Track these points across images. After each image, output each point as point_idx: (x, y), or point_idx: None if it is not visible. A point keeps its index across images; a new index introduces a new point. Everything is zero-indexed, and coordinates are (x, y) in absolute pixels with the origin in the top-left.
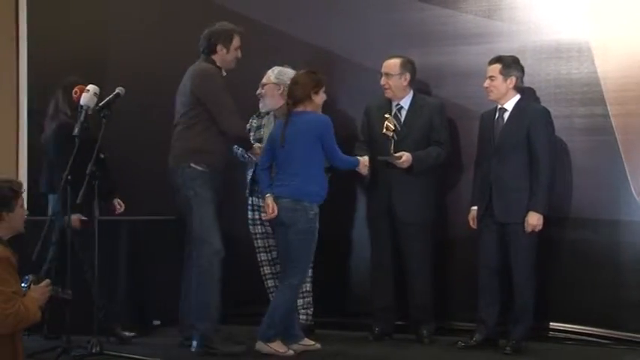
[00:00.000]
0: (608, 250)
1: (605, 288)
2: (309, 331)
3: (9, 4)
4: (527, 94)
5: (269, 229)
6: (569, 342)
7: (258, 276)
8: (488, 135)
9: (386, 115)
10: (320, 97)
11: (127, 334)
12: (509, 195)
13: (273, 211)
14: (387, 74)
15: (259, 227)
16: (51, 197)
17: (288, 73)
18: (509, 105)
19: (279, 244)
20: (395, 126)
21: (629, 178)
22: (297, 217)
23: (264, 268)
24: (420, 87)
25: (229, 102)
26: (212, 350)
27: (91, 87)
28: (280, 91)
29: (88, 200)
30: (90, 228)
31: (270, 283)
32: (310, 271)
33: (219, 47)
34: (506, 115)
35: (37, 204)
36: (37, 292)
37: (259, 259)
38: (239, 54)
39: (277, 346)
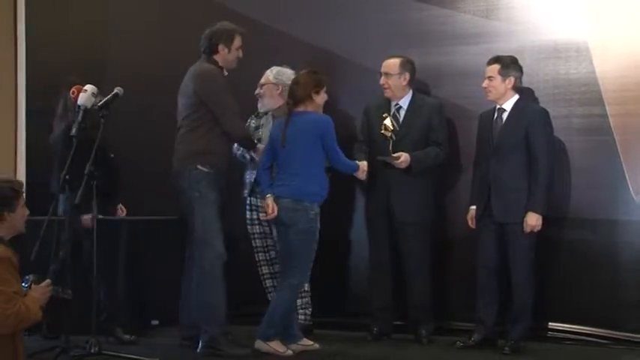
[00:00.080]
0: (606, 250)
1: (603, 288)
2: (307, 331)
3: (8, 5)
4: (526, 95)
5: (267, 228)
6: (568, 342)
7: (257, 276)
8: (487, 135)
9: (384, 115)
10: (321, 97)
11: (126, 337)
12: (507, 195)
13: (273, 211)
14: (386, 74)
15: (257, 227)
16: (61, 197)
17: (287, 73)
18: (508, 105)
19: (279, 244)
20: (393, 126)
21: (627, 178)
22: (298, 217)
23: (263, 267)
24: (418, 87)
25: (232, 103)
26: (217, 352)
27: (88, 87)
28: (279, 91)
29: (87, 200)
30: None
31: (268, 282)
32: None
33: (220, 47)
34: (504, 116)
35: (36, 204)
36: (38, 292)
37: (257, 259)
38: (240, 54)
39: (276, 346)
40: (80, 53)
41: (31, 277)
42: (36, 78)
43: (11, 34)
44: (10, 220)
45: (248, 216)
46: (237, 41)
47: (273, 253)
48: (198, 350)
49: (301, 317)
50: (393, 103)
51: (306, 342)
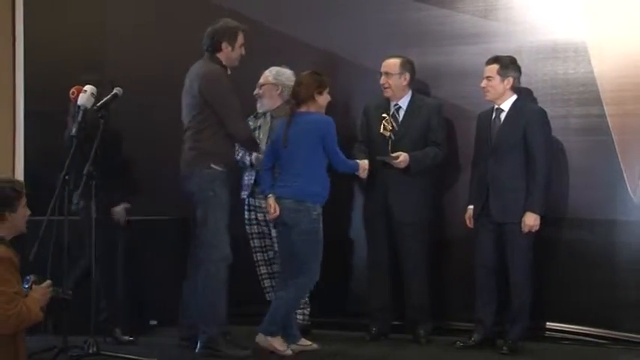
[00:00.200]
0: (604, 250)
1: (601, 288)
2: (305, 331)
3: (6, 5)
4: (524, 95)
5: (265, 229)
6: (566, 342)
7: (256, 276)
8: (485, 135)
9: (383, 115)
10: (323, 98)
11: (125, 337)
12: (506, 195)
13: (275, 212)
14: (386, 73)
15: (255, 227)
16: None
17: (286, 73)
18: (506, 105)
19: (280, 244)
20: (392, 126)
21: (625, 178)
22: (300, 218)
23: (261, 267)
24: (417, 87)
25: (236, 105)
26: (216, 353)
27: (88, 87)
28: (278, 92)
29: (85, 200)
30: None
31: (266, 282)
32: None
33: (224, 45)
34: (502, 116)
35: (34, 204)
36: (39, 292)
37: (255, 259)
38: (243, 51)
39: (277, 343)
40: (78, 54)
41: (31, 277)
42: (34, 78)
43: (9, 35)
44: (12, 220)
45: (246, 216)
46: (240, 38)
47: (271, 253)
48: (196, 351)
49: (299, 317)
50: (393, 103)
51: (305, 342)
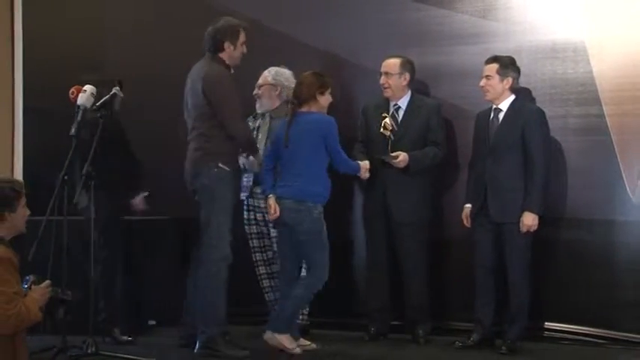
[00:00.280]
0: (603, 250)
1: (600, 288)
2: (304, 331)
3: (4, 4)
4: (523, 95)
5: (264, 229)
6: (565, 342)
7: (255, 276)
8: (483, 135)
9: (383, 115)
10: (325, 99)
11: (124, 337)
12: (504, 195)
13: (275, 212)
14: (386, 73)
15: (254, 227)
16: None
17: (285, 73)
18: (504, 105)
19: (280, 244)
20: (392, 126)
21: (624, 178)
22: (302, 218)
23: (260, 267)
24: (416, 87)
25: (237, 106)
26: (215, 353)
27: (87, 87)
28: (277, 92)
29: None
30: (113, 228)
31: (265, 282)
32: (305, 271)
33: (226, 44)
34: (501, 116)
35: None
36: (38, 292)
37: (254, 259)
38: (245, 49)
39: (286, 341)
40: (77, 52)
41: (31, 277)
42: (33, 76)
43: (8, 33)
44: (11, 220)
45: (245, 216)
46: (242, 37)
47: (270, 253)
48: (195, 351)
49: (299, 317)
50: (392, 103)
51: (304, 342)
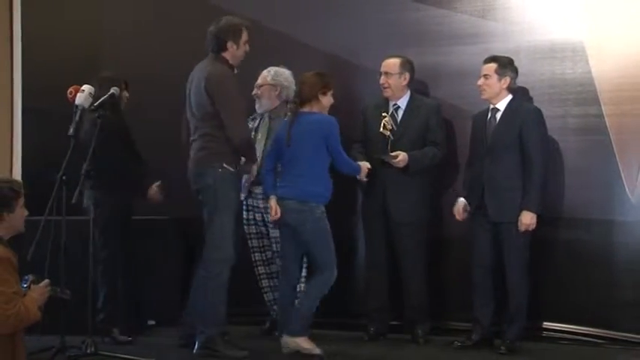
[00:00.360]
0: (601, 250)
1: (598, 288)
2: None
3: (3, 4)
4: (520, 94)
5: (263, 229)
6: (564, 342)
7: (255, 276)
8: (481, 135)
9: (383, 114)
10: (327, 99)
11: (123, 338)
12: (502, 194)
13: (276, 214)
14: (386, 73)
15: (253, 227)
16: (86, 193)
17: (285, 73)
18: (502, 105)
19: (283, 245)
20: (391, 125)
21: (622, 178)
22: (305, 218)
23: (259, 267)
24: (415, 87)
25: (239, 108)
26: (214, 353)
27: (85, 87)
28: (277, 92)
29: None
30: (114, 228)
31: (264, 282)
32: (304, 271)
33: (229, 44)
34: (498, 115)
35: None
36: (37, 292)
37: (253, 259)
38: (247, 47)
39: (304, 342)
40: (76, 52)
41: (30, 277)
42: (32, 77)
43: (7, 34)
44: (9, 220)
45: (245, 216)
46: (245, 35)
47: (269, 253)
48: (194, 351)
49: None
50: (391, 103)
51: None
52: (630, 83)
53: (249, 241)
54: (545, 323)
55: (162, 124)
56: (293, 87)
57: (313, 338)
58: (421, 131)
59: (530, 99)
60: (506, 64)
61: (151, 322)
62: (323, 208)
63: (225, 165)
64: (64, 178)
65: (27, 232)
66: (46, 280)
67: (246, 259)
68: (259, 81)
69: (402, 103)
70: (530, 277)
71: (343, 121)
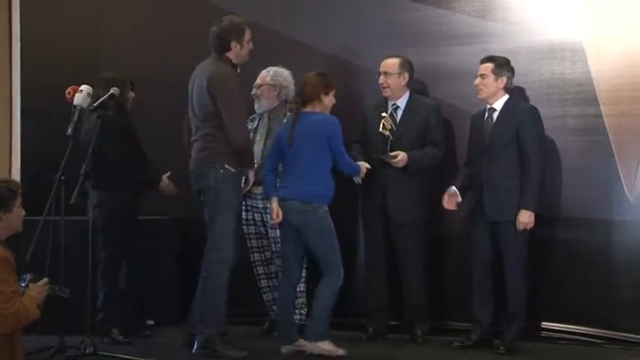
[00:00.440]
0: (601, 250)
1: (597, 288)
2: (302, 332)
3: (2, 4)
4: (516, 94)
5: (262, 229)
6: (563, 342)
7: (254, 276)
8: (478, 135)
9: (383, 114)
10: (329, 99)
11: (121, 337)
12: (500, 194)
13: (278, 217)
14: (385, 73)
15: (252, 228)
16: (91, 193)
17: (284, 74)
18: (498, 105)
19: (285, 246)
20: (391, 125)
21: (621, 178)
22: (308, 218)
23: (258, 268)
24: (414, 87)
25: (241, 109)
26: (213, 353)
27: (84, 87)
28: (276, 92)
29: (82, 200)
30: (115, 228)
31: (263, 283)
32: (304, 271)
33: (232, 44)
34: (495, 115)
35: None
36: (35, 290)
37: (252, 259)
38: (251, 45)
39: (328, 346)
40: (75, 53)
41: (28, 276)
42: (31, 77)
43: (6, 34)
44: (7, 220)
45: (243, 216)
46: (248, 34)
47: (268, 253)
48: (193, 351)
49: (296, 317)
50: (391, 103)
51: (302, 342)
52: (629, 83)
53: (248, 242)
54: (544, 323)
55: (162, 125)
56: (292, 87)
57: None
58: (420, 131)
59: (527, 99)
60: (502, 64)
61: (150, 322)
62: (326, 208)
63: (226, 166)
64: (62, 178)
65: (26, 232)
66: (45, 279)
67: (245, 259)
68: (258, 81)
69: (402, 103)
70: (529, 277)
71: (342, 121)
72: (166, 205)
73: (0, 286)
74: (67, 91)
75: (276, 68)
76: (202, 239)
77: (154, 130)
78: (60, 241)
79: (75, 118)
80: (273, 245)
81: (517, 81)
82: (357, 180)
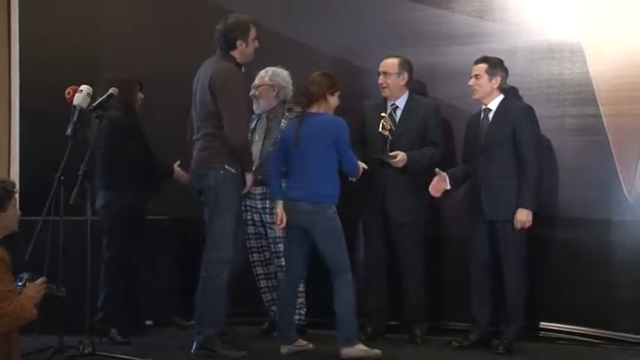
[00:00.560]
0: (599, 250)
1: (596, 288)
2: (301, 331)
3: (1, 4)
4: (511, 94)
5: (261, 229)
6: (561, 342)
7: (253, 276)
8: (474, 135)
9: (382, 114)
10: (334, 99)
11: (120, 338)
12: (497, 193)
13: (282, 222)
14: (385, 73)
15: (252, 228)
16: (100, 193)
17: (283, 74)
18: (494, 105)
19: (288, 246)
20: (390, 125)
21: (620, 177)
22: (317, 219)
23: (257, 268)
24: (413, 87)
25: (242, 109)
26: (212, 353)
27: (84, 87)
28: (275, 93)
29: (81, 200)
30: (121, 228)
31: (263, 283)
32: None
33: (238, 42)
34: (490, 115)
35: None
36: (32, 289)
37: (252, 260)
38: (257, 44)
39: (360, 346)
40: (74, 52)
41: (25, 275)
42: (30, 77)
43: (5, 33)
44: (2, 219)
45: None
46: (253, 32)
47: (267, 253)
48: (192, 351)
49: (296, 317)
50: (390, 103)
51: (301, 342)
52: (628, 83)
53: (247, 242)
54: (542, 323)
55: (164, 125)
56: (290, 87)
57: (310, 338)
58: (420, 131)
59: (520, 98)
60: (496, 64)
61: (149, 323)
62: (334, 208)
63: (226, 166)
64: (62, 178)
65: (25, 232)
66: (42, 278)
67: (245, 259)
68: (257, 81)
69: (401, 103)
70: (527, 277)
71: None
72: (166, 205)
73: None
74: (66, 91)
75: (274, 68)
76: (202, 239)
77: (155, 131)
78: (59, 241)
79: (75, 118)
80: (272, 245)
81: (516, 81)
82: (353, 179)
